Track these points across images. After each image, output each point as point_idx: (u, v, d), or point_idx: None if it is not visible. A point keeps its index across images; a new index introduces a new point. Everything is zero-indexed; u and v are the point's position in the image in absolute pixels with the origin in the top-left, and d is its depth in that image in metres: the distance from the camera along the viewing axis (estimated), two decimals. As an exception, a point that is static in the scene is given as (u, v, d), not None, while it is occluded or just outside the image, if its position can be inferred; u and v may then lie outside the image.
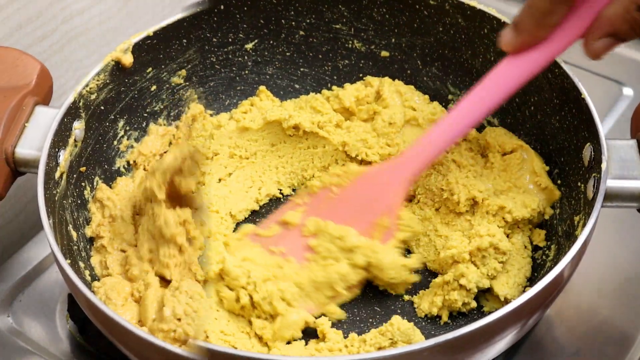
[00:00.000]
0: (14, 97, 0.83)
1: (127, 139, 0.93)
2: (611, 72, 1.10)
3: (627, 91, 1.10)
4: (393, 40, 0.97)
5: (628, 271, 0.91)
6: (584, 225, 0.75)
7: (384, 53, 0.98)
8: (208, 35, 0.95)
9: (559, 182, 0.87)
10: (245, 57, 0.98)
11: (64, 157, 0.83)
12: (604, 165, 0.77)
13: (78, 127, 0.85)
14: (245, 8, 0.95)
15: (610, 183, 0.77)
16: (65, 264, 0.73)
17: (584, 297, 0.88)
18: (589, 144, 0.81)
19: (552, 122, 0.87)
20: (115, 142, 0.92)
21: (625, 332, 0.86)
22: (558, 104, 0.86)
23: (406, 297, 0.85)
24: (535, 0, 0.73)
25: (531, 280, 0.84)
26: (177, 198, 0.82)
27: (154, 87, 0.94)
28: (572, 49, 1.13)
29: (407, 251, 0.90)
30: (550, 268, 0.72)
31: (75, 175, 0.86)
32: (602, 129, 0.79)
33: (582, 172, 0.82)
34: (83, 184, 0.87)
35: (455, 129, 0.81)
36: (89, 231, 0.86)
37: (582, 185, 0.81)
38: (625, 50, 1.13)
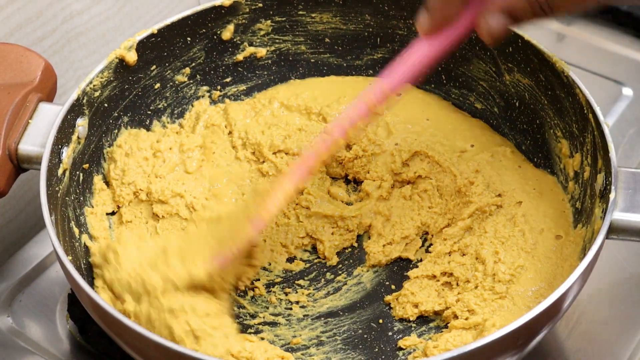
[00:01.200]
0: (17, 93, 0.83)
1: (131, 137, 0.94)
2: (611, 72, 1.11)
3: (627, 91, 1.10)
4: None
5: (628, 272, 0.92)
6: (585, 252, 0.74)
7: None
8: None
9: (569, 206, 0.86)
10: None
11: (67, 153, 0.83)
12: (612, 196, 0.75)
13: (81, 124, 0.85)
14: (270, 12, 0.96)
15: (617, 215, 0.74)
16: (66, 260, 0.73)
17: (584, 298, 0.88)
18: (603, 172, 0.79)
19: (571, 148, 0.86)
20: (118, 140, 0.92)
21: (625, 333, 0.86)
22: (577, 129, 0.85)
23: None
24: None
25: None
26: None
27: (157, 85, 0.94)
28: (572, 49, 1.14)
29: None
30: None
31: (78, 172, 0.86)
32: (615, 158, 0.77)
33: (593, 201, 0.80)
34: (86, 180, 0.88)
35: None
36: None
37: (591, 211, 0.80)
38: (625, 50, 1.14)
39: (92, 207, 0.88)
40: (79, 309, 0.88)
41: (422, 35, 0.76)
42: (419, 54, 0.76)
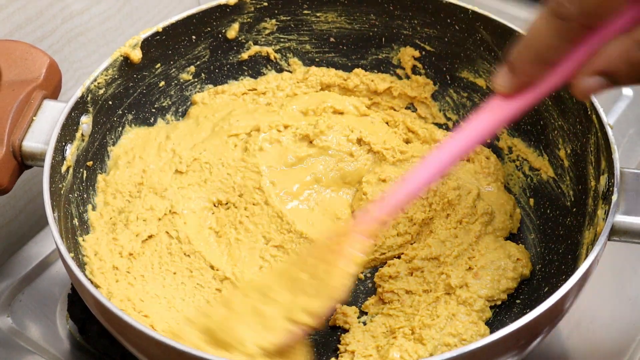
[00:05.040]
0: (22, 90, 0.83)
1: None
2: (611, 72, 1.11)
3: (627, 91, 1.10)
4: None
5: (629, 272, 0.92)
6: (587, 253, 0.74)
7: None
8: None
9: (574, 209, 0.85)
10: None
11: (71, 151, 0.83)
12: (614, 198, 0.75)
13: (85, 122, 0.85)
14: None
15: (619, 218, 0.74)
16: (68, 257, 0.73)
17: (584, 298, 0.89)
18: (606, 174, 0.78)
19: (574, 148, 0.87)
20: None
21: (625, 333, 0.87)
22: (580, 130, 0.85)
23: None
24: (535, 35, 0.65)
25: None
26: None
27: (162, 83, 0.94)
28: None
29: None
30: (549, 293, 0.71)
31: (81, 170, 0.86)
32: (618, 159, 0.77)
33: (596, 202, 0.80)
34: (90, 178, 0.88)
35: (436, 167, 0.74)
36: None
37: (594, 213, 0.80)
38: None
39: (95, 204, 0.88)
40: (79, 309, 0.88)
41: (500, 96, 0.70)
42: (495, 114, 0.71)
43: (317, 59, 1.00)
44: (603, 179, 0.79)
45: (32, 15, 0.94)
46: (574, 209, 0.84)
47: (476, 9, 0.91)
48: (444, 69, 0.97)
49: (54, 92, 0.86)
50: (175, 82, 0.95)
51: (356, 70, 0.99)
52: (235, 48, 0.97)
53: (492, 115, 0.71)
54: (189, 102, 0.98)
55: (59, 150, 0.81)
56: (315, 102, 0.96)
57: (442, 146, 0.74)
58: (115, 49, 0.88)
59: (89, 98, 0.85)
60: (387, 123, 0.98)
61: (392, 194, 0.74)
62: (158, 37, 0.90)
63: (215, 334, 0.72)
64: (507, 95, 0.69)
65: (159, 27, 0.90)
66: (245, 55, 0.98)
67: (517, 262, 0.84)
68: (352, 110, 0.97)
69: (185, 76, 0.96)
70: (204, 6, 0.92)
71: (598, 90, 0.66)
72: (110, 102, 0.89)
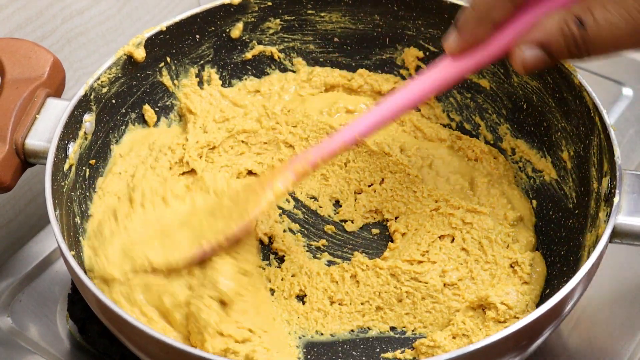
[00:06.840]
0: (26, 88, 0.83)
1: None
2: (611, 72, 1.11)
3: (627, 91, 1.10)
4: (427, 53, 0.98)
5: (629, 272, 0.92)
6: (588, 255, 0.74)
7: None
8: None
9: (576, 211, 0.85)
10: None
11: (74, 149, 0.83)
12: (616, 200, 0.75)
13: (89, 120, 0.85)
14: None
15: (621, 220, 0.74)
16: (69, 255, 0.73)
17: (585, 298, 0.89)
18: (608, 176, 0.78)
19: (577, 150, 0.86)
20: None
21: (625, 333, 0.87)
22: (583, 132, 0.85)
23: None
24: None
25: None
26: None
27: (166, 82, 0.95)
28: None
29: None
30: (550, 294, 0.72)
31: (84, 168, 0.86)
32: (620, 161, 0.77)
33: (598, 204, 0.80)
34: (92, 176, 0.88)
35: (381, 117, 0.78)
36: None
37: (596, 215, 0.80)
38: (625, 50, 1.15)
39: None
40: (79, 309, 0.88)
41: (448, 55, 0.74)
42: (442, 73, 0.75)
43: (321, 59, 1.00)
44: (605, 181, 0.79)
45: (32, 15, 0.94)
46: (576, 211, 0.85)
47: None
48: None
49: (57, 91, 0.86)
50: (179, 81, 0.96)
51: (360, 70, 0.99)
52: (239, 47, 0.97)
53: (439, 73, 0.75)
54: (192, 101, 0.98)
55: (62, 149, 0.81)
56: (328, 102, 0.97)
57: (384, 100, 0.78)
58: (115, 49, 0.88)
59: (92, 96, 0.85)
60: None
61: (328, 140, 0.79)
62: (162, 36, 0.90)
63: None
64: (454, 55, 0.74)
65: (162, 26, 0.90)
66: (249, 55, 0.98)
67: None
68: (363, 109, 0.97)
69: (188, 75, 0.96)
70: (208, 5, 0.92)
71: (536, 63, 0.69)
72: (113, 101, 0.89)
